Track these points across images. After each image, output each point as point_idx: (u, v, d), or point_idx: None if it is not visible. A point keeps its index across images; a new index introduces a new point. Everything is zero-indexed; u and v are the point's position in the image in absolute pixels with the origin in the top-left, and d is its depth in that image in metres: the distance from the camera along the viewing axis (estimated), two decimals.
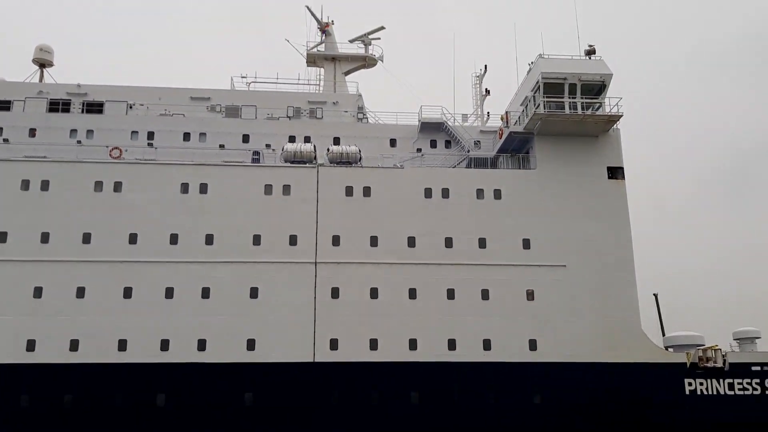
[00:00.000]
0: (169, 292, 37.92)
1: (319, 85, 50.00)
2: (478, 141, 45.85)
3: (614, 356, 38.68)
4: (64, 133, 42.68)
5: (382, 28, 51.03)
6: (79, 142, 42.24)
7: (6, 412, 35.47)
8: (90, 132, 42.95)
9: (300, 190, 40.52)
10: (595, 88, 42.17)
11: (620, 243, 41.04)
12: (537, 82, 41.77)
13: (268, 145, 43.43)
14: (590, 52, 43.58)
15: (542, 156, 42.27)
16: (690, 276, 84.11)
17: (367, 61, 51.01)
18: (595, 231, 41.04)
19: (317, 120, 45.67)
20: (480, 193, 41.32)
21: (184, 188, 39.96)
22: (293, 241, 39.46)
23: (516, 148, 43.98)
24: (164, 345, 37.01)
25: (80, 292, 37.56)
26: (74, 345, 36.64)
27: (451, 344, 38.39)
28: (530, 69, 44.53)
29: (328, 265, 39.18)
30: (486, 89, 51.66)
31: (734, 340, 42.86)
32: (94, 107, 44.20)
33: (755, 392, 39.29)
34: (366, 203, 40.65)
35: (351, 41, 50.74)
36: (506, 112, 45.16)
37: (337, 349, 37.79)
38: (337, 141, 44.17)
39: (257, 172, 40.93)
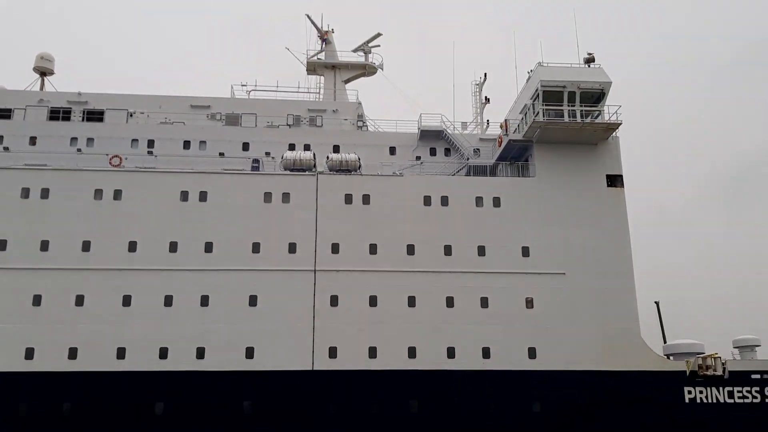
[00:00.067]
0: (168, 300, 37.94)
1: (319, 93, 50.16)
2: (478, 149, 45.89)
3: (613, 364, 38.60)
4: (64, 141, 42.78)
5: (379, 34, 51.20)
6: (79, 150, 42.34)
7: (5, 420, 35.42)
8: (90, 140, 43.04)
9: (299, 197, 40.56)
10: (594, 96, 42.25)
11: (619, 251, 41.03)
12: (536, 90, 41.89)
13: (267, 153, 43.50)
14: (589, 60, 43.72)
15: (541, 164, 42.33)
16: (690, 283, 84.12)
17: (366, 70, 51.16)
18: (595, 239, 41.03)
19: (317, 128, 45.77)
20: (479, 200, 41.37)
21: (184, 196, 40.02)
22: (292, 248, 39.47)
23: (515, 155, 44.06)
24: (163, 353, 36.99)
25: (79, 300, 37.58)
26: (73, 353, 36.64)
27: (451, 352, 38.34)
28: (529, 77, 44.66)
29: (327, 272, 39.18)
30: (486, 97, 51.74)
31: (734, 348, 42.74)
32: (94, 115, 44.32)
33: (755, 400, 39.17)
34: (365, 211, 40.69)
35: (354, 51, 50.96)
36: (505, 120, 45.26)
37: (336, 357, 37.74)
38: (336, 149, 44.23)
39: (257, 179, 41.01)
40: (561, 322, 39.36)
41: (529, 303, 39.68)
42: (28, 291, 37.46)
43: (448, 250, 40.21)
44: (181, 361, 36.96)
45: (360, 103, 48.32)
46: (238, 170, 41.69)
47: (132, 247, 38.73)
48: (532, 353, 38.73)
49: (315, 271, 39.18)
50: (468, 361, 38.22)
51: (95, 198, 39.55)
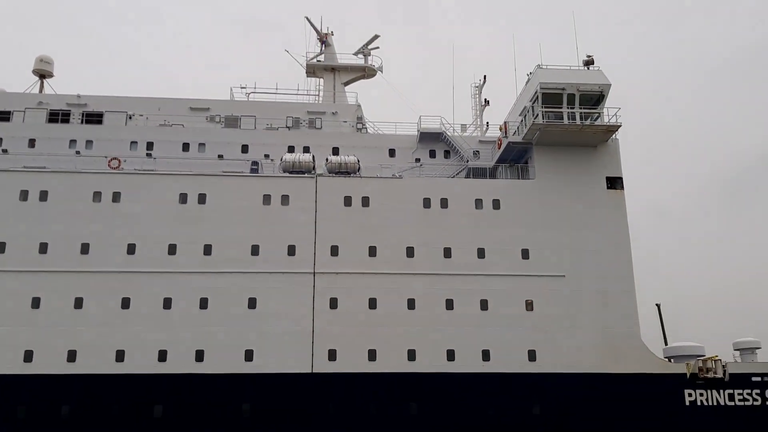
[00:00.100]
0: (167, 303, 37.86)
1: (318, 95, 50.13)
2: (477, 151, 45.84)
3: (613, 367, 38.57)
4: (63, 144, 42.75)
5: (377, 36, 51.19)
6: (78, 152, 42.29)
7: (3, 423, 35.33)
8: (89, 142, 43.02)
9: (298, 200, 40.49)
10: (594, 99, 42.25)
11: (619, 253, 40.97)
12: (535, 93, 41.86)
13: (266, 155, 43.44)
14: (589, 63, 43.73)
15: (541, 166, 42.28)
16: (690, 286, 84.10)
17: (366, 72, 51.14)
18: (594, 241, 40.98)
19: (316, 130, 45.73)
20: (479, 203, 41.31)
21: (183, 198, 39.97)
22: (291, 251, 39.42)
23: (515, 158, 44.01)
24: (162, 356, 36.92)
25: (78, 303, 37.50)
26: (72, 356, 36.56)
27: (450, 355, 38.26)
28: (529, 79, 44.64)
29: (326, 275, 39.12)
30: (485, 99, 51.77)
31: (735, 350, 42.66)
32: (93, 118, 44.29)
33: (755, 403, 39.09)
34: (365, 213, 40.62)
35: (355, 54, 50.93)
36: (505, 122, 45.20)
37: (335, 359, 37.66)
38: (336, 151, 44.20)
39: (256, 182, 40.94)
40: (561, 324, 39.30)
41: (529, 305, 39.61)
42: (26, 293, 37.39)
43: (447, 252, 40.15)
44: (180, 363, 36.88)
45: (359, 106, 48.31)
46: (237, 172, 41.63)
47: (131, 249, 38.67)
48: (531, 355, 38.65)
49: (314, 273, 39.12)
50: (467, 363, 38.15)
51: (94, 200, 39.50)
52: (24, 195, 39.24)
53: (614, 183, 42.38)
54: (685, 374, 39.19)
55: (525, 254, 40.44)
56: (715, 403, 38.79)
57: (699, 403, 38.73)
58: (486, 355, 38.40)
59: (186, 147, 43.48)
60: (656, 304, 49.37)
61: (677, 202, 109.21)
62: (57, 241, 38.42)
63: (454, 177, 43.82)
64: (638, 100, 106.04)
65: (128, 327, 37.25)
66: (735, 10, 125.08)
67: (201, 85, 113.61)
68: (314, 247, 39.59)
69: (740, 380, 39.34)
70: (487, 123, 50.51)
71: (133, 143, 43.32)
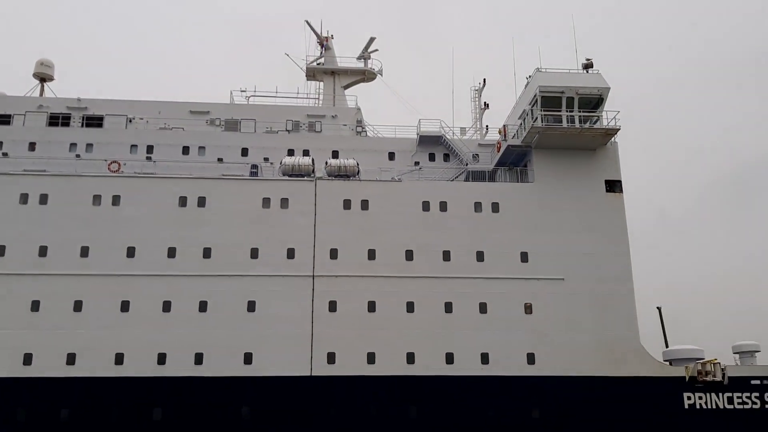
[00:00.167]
0: (167, 306, 37.89)
1: (318, 98, 50.22)
2: (477, 154, 45.90)
3: (612, 370, 38.54)
4: (63, 147, 42.89)
5: (373, 39, 51.30)
6: (78, 155, 42.37)
7: (2, 426, 35.36)
8: (89, 146, 43.13)
9: (298, 203, 40.54)
10: (593, 102, 42.31)
11: (618, 256, 40.95)
12: (534, 96, 41.91)
13: (266, 159, 43.51)
14: (588, 66, 43.79)
15: (540, 169, 42.31)
16: (690, 289, 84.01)
17: (366, 75, 51.29)
18: (593, 244, 40.95)
19: (316, 133, 45.80)
20: (478, 206, 41.34)
21: (183, 202, 40.04)
22: (291, 254, 39.46)
23: (514, 161, 44.06)
24: (161, 359, 36.94)
25: (78, 306, 37.54)
26: (71, 358, 36.60)
27: (449, 358, 38.26)
28: (528, 82, 44.71)
29: (325, 278, 39.14)
30: (485, 103, 51.83)
31: (734, 353, 42.62)
32: (93, 121, 44.41)
33: (755, 406, 39.03)
34: (364, 216, 40.66)
35: (357, 58, 51.02)
36: (504, 126, 45.28)
37: (334, 362, 37.67)
38: (335, 154, 44.27)
39: (255, 185, 41.00)
40: (560, 327, 39.28)
41: (528, 308, 39.62)
42: (26, 296, 37.43)
43: (446, 255, 40.16)
44: (180, 366, 36.90)
45: (359, 109, 48.42)
46: (236, 176, 41.68)
47: (130, 252, 38.72)
48: (530, 359, 38.65)
49: (313, 276, 39.16)
50: (466, 366, 38.13)
51: (94, 204, 39.56)
52: (24, 198, 39.31)
53: (613, 186, 42.39)
54: (684, 377, 39.15)
55: (524, 257, 40.45)
56: (714, 407, 38.74)
57: (698, 407, 38.69)
58: (485, 358, 38.40)
59: (186, 150, 43.59)
60: (657, 307, 49.45)
61: (678, 204, 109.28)
62: (57, 245, 38.47)
63: (453, 180, 43.88)
64: (639, 103, 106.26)
65: (128, 330, 37.28)
66: (736, 13, 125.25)
67: (201, 89, 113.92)
68: (313, 250, 39.63)
69: (739, 383, 39.29)
70: (487, 126, 50.65)
71: (133, 146, 43.43)
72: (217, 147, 43.74)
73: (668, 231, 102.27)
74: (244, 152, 43.92)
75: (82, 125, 44.14)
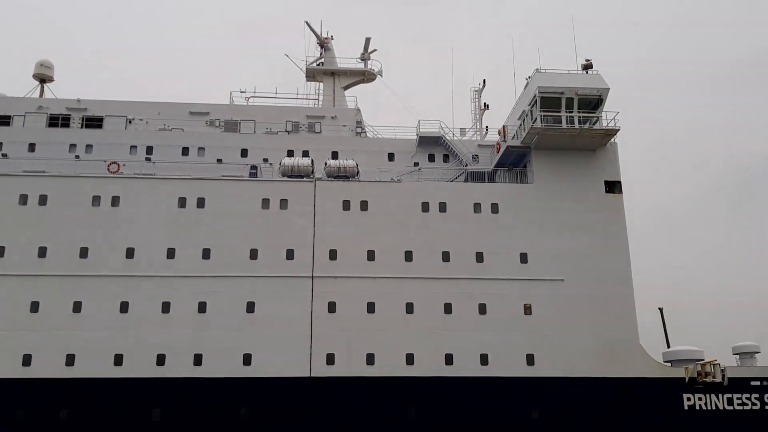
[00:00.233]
0: (166, 307, 37.89)
1: (318, 99, 50.22)
2: (476, 155, 45.89)
3: (612, 371, 38.49)
4: (63, 148, 42.94)
5: (369, 39, 51.34)
6: (77, 156, 42.39)
7: (2, 427, 35.38)
8: (89, 147, 43.18)
9: (297, 204, 40.53)
10: (592, 103, 42.29)
11: (618, 257, 40.92)
12: (534, 97, 41.90)
13: (266, 160, 43.51)
14: (587, 67, 43.76)
15: (539, 170, 42.29)
16: (690, 290, 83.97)
17: (366, 76, 51.30)
18: (593, 245, 40.93)
19: (316, 134, 45.79)
20: (477, 207, 41.32)
21: (182, 202, 40.04)
22: (290, 255, 39.45)
23: (513, 162, 44.04)
24: (160, 360, 36.94)
25: (77, 307, 37.56)
26: (70, 359, 36.61)
27: (448, 359, 38.23)
28: (528, 83, 44.68)
29: (325, 279, 39.13)
30: (485, 103, 51.81)
31: (734, 354, 42.54)
32: (93, 122, 44.44)
33: (754, 407, 38.97)
34: (363, 217, 40.65)
35: (358, 60, 51.04)
36: (503, 126, 45.24)
37: (333, 363, 37.65)
38: (335, 155, 44.27)
39: (255, 186, 41.01)
40: (559, 328, 39.24)
41: (528, 309, 39.59)
42: (25, 297, 37.47)
43: (446, 256, 40.13)
44: (179, 367, 36.90)
45: (359, 110, 48.42)
46: (236, 177, 41.68)
47: (130, 253, 38.73)
48: (530, 360, 38.61)
49: (313, 277, 39.14)
50: (466, 367, 38.11)
51: (93, 204, 39.59)
52: (23, 199, 39.34)
53: (613, 187, 42.37)
54: (684, 378, 39.10)
55: (523, 258, 40.43)
56: (713, 408, 38.68)
57: (698, 408, 38.63)
58: (484, 359, 38.37)
59: (185, 151, 43.63)
60: (659, 308, 49.26)
61: (678, 205, 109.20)
62: (56, 245, 38.50)
63: (452, 181, 43.86)
64: (638, 104, 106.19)
65: (127, 331, 37.29)
66: (737, 14, 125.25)
67: (200, 90, 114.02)
68: (313, 251, 39.63)
69: (739, 384, 39.22)
70: (486, 127, 50.63)
71: (133, 147, 43.47)
72: (217, 148, 43.75)
73: (668, 231, 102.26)
74: (244, 153, 43.94)
75: (82, 126, 44.18)
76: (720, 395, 38.94)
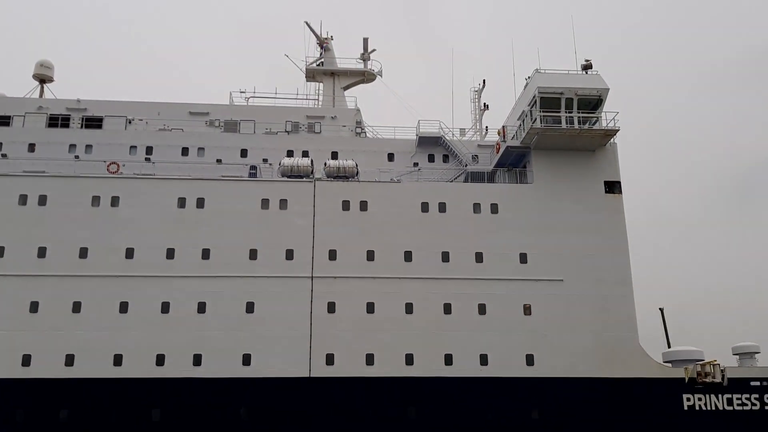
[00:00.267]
0: (165, 307, 37.89)
1: (317, 99, 50.18)
2: (476, 155, 45.88)
3: (611, 371, 38.49)
4: (63, 148, 42.96)
5: (366, 39, 51.29)
6: (77, 157, 42.40)
7: (1, 427, 35.38)
8: (89, 147, 43.19)
9: (297, 204, 40.53)
10: (592, 103, 42.28)
11: (617, 257, 40.92)
12: (534, 97, 41.89)
13: (265, 160, 43.51)
14: (587, 67, 43.76)
15: (539, 170, 42.28)
16: (690, 290, 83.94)
17: (366, 76, 51.26)
18: (593, 245, 40.91)
19: (315, 135, 45.76)
20: (477, 207, 41.31)
21: (181, 203, 40.04)
22: (290, 255, 39.44)
23: (513, 162, 44.03)
24: (160, 360, 36.93)
25: (76, 307, 37.57)
26: (70, 360, 36.61)
27: (448, 359, 38.22)
28: (527, 84, 44.67)
29: (324, 279, 39.12)
30: (484, 104, 51.78)
31: (734, 354, 42.51)
32: (93, 122, 44.46)
33: (754, 408, 38.95)
34: (363, 217, 40.64)
35: (358, 60, 51.03)
36: (503, 127, 45.23)
37: (333, 364, 37.65)
38: (335, 155, 44.28)
39: (254, 186, 41.01)
40: (559, 328, 39.23)
41: (527, 310, 39.58)
42: (25, 298, 37.48)
43: (445, 256, 40.12)
44: (178, 367, 36.89)
45: (359, 110, 48.40)
46: (235, 177, 41.69)
47: (129, 253, 38.73)
48: (529, 360, 38.60)
49: (312, 277, 39.14)
50: (465, 367, 38.09)
51: (93, 205, 39.60)
52: (23, 199, 39.35)
53: (612, 187, 42.35)
54: (684, 379, 39.07)
55: (523, 258, 40.42)
56: (713, 408, 38.66)
57: (697, 408, 38.60)
58: (484, 360, 38.35)
59: (185, 151, 43.64)
60: (659, 309, 49.21)
61: (678, 206, 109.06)
62: (55, 246, 38.50)
63: (452, 181, 43.85)
64: (638, 104, 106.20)
65: (126, 331, 37.29)
66: (736, 13, 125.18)
67: (200, 90, 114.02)
68: (312, 251, 39.63)
69: (739, 385, 39.21)
70: (486, 127, 50.60)
71: (133, 148, 43.49)
72: (217, 148, 43.76)
73: (668, 231, 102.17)
74: (244, 153, 43.95)
75: (82, 126, 44.19)
76: (720, 395, 38.92)
